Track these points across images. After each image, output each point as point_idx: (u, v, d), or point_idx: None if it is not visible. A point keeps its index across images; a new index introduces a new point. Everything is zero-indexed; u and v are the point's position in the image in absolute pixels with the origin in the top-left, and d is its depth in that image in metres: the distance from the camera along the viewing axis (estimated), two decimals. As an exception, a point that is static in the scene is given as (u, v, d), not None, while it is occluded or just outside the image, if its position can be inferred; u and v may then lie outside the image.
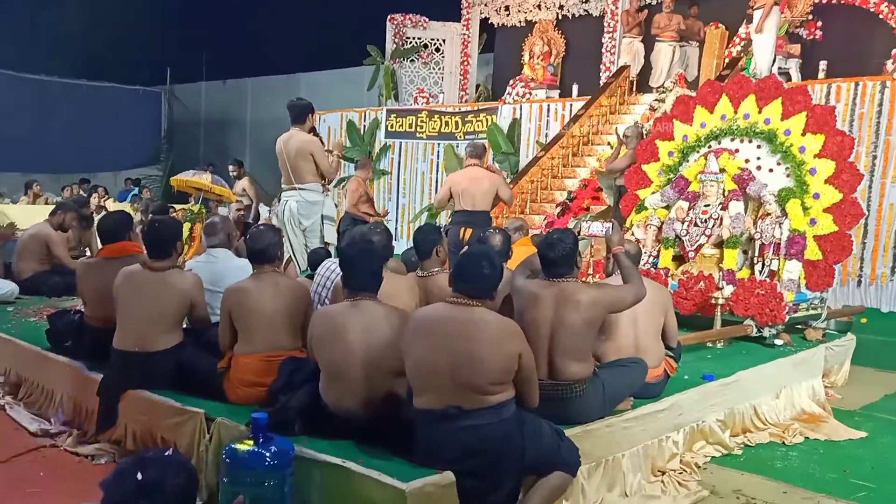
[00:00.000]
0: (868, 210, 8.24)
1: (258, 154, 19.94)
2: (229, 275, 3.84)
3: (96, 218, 6.39)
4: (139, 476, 1.61)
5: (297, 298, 3.47)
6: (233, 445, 2.53)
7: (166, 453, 1.70)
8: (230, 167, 10.24)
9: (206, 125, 20.82)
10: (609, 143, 10.20)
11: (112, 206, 9.96)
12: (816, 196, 5.57)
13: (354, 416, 2.93)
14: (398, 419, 2.90)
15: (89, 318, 4.01)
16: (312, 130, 5.87)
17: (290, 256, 5.09)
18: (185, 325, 3.72)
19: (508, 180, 10.56)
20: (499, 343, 2.74)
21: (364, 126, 13.31)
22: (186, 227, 4.73)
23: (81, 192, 11.19)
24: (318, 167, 5.54)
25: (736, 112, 6.11)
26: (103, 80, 18.65)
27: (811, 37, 10.05)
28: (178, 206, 6.96)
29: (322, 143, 5.89)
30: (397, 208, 12.92)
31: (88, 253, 6.49)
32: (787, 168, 5.77)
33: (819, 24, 9.99)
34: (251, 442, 2.49)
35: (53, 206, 6.70)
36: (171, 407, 3.32)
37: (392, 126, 13.08)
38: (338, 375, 2.96)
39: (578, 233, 4.07)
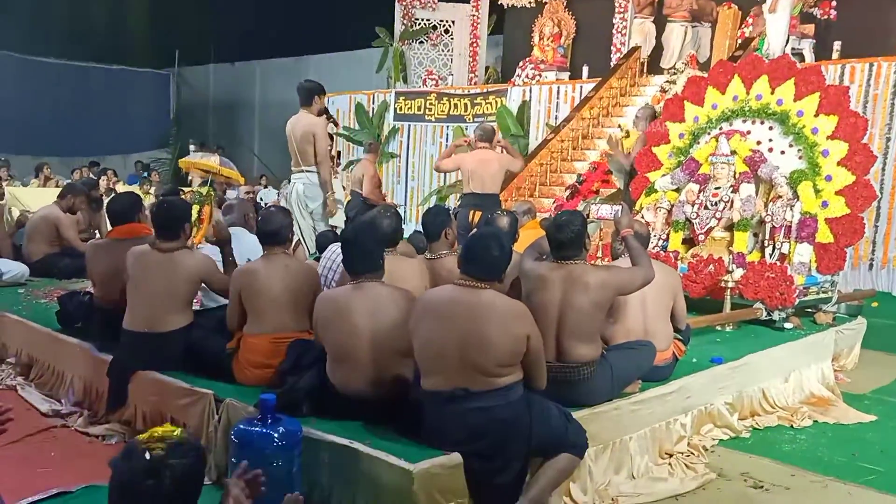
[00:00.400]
0: (881, 193, 8.15)
1: (267, 136, 19.95)
2: (247, 249, 3.84)
3: (105, 200, 6.41)
4: (147, 455, 1.62)
5: (306, 281, 3.48)
6: (241, 426, 2.54)
7: (175, 433, 1.71)
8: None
9: (214, 108, 20.82)
10: (619, 126, 10.12)
11: (122, 188, 10.00)
12: (829, 178, 5.51)
13: (362, 397, 2.94)
14: (405, 400, 2.91)
15: (99, 299, 4.03)
16: (324, 112, 5.84)
17: (299, 239, 5.09)
18: (195, 307, 3.73)
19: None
20: (507, 325, 2.74)
21: (373, 109, 13.26)
22: (195, 209, 4.75)
23: (91, 175, 11.23)
24: (317, 149, 5.52)
25: (748, 93, 6.03)
26: (112, 62, 18.66)
27: (825, 17, 9.91)
28: (187, 189, 6.96)
29: (336, 123, 5.88)
30: (406, 191, 12.90)
31: (98, 235, 6.52)
32: (799, 150, 5.71)
33: (833, 3, 9.84)
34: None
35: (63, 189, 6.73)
36: (180, 388, 3.34)
37: (401, 109, 13.02)
38: (344, 357, 2.97)
39: (587, 216, 4.04)
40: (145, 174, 13.07)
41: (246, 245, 4.12)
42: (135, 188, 9.89)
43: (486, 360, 2.70)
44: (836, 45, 9.25)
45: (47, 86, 16.88)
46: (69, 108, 17.01)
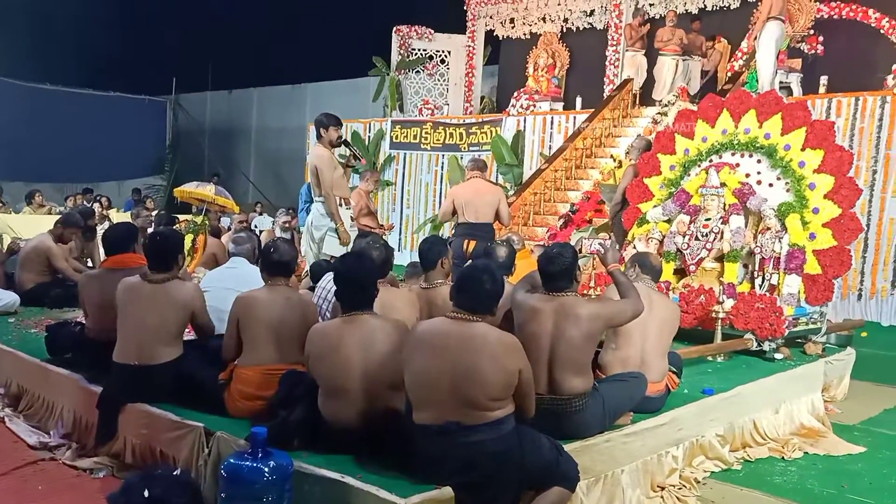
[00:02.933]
0: (868, 224, 8.27)
1: (263, 163, 20.08)
2: (248, 278, 3.87)
3: (99, 228, 6.42)
4: (145, 493, 1.64)
5: (306, 314, 3.47)
6: (231, 460, 2.54)
7: (174, 472, 1.73)
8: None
9: (211, 135, 20.95)
10: (612, 156, 10.24)
11: (116, 216, 10.01)
12: (816, 211, 5.58)
13: (353, 430, 2.94)
14: (397, 433, 2.91)
15: (90, 329, 4.03)
16: (343, 143, 5.92)
17: (307, 271, 5.15)
18: (185, 338, 3.73)
19: (512, 192, 10.61)
20: (499, 358, 2.76)
21: (369, 137, 13.38)
22: (189, 238, 4.76)
23: (85, 203, 11.24)
24: (321, 182, 5.59)
25: (737, 127, 6.13)
26: (108, 89, 18.78)
27: (812, 51, 10.11)
28: (182, 217, 6.99)
29: (357, 157, 6.00)
30: (401, 219, 12.96)
31: (90, 263, 6.51)
32: (786, 183, 5.79)
33: (820, 38, 10.05)
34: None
35: (57, 216, 6.71)
36: (170, 420, 3.33)
37: (397, 137, 13.14)
38: (336, 390, 2.97)
39: (580, 250, 4.09)
40: (136, 200, 13.03)
41: (245, 275, 4.12)
42: (128, 215, 9.90)
43: (478, 394, 2.72)
44: (823, 79, 9.42)
45: (42, 112, 16.92)
46: (64, 134, 17.04)
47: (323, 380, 3.03)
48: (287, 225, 7.36)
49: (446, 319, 2.83)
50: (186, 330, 3.79)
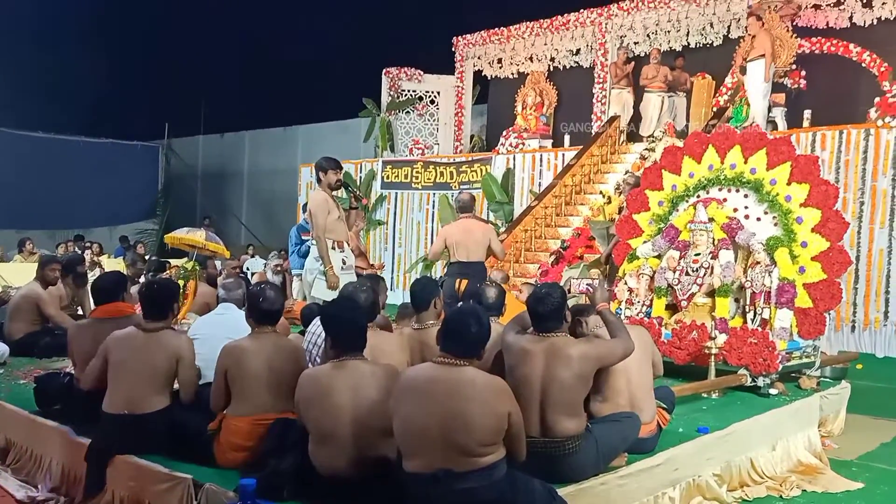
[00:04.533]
0: (858, 256, 8.31)
1: (255, 205, 20.15)
2: (238, 325, 3.85)
3: (90, 275, 6.39)
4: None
5: (294, 361, 3.45)
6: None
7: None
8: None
9: (203, 178, 21.08)
10: (601, 192, 10.32)
11: (107, 262, 9.99)
12: (804, 244, 5.62)
13: (344, 478, 2.91)
14: (389, 481, 2.88)
15: (80, 380, 3.99)
16: (343, 186, 5.99)
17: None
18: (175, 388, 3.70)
19: (503, 229, 10.66)
20: (488, 403, 2.74)
21: (360, 177, 13.47)
22: (179, 283, 4.76)
23: (76, 249, 11.23)
24: (314, 225, 5.65)
25: (723, 162, 6.20)
26: (100, 136, 18.93)
27: (795, 86, 10.27)
28: (173, 262, 6.98)
29: (357, 198, 6.08)
30: (393, 258, 12.98)
31: (81, 311, 6.48)
32: (774, 217, 5.84)
33: (803, 73, 10.21)
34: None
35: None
36: (158, 472, 3.28)
37: (388, 177, 13.24)
38: (326, 438, 2.94)
39: (569, 290, 4.09)
40: (126, 247, 13.02)
41: (235, 321, 4.08)
42: (120, 261, 9.89)
43: (469, 440, 2.69)
44: (807, 113, 9.56)
45: (33, 159, 17.02)
46: (55, 181, 17.12)
47: (313, 426, 3.00)
48: (279, 268, 7.35)
49: (434, 365, 2.83)
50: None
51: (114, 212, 18.35)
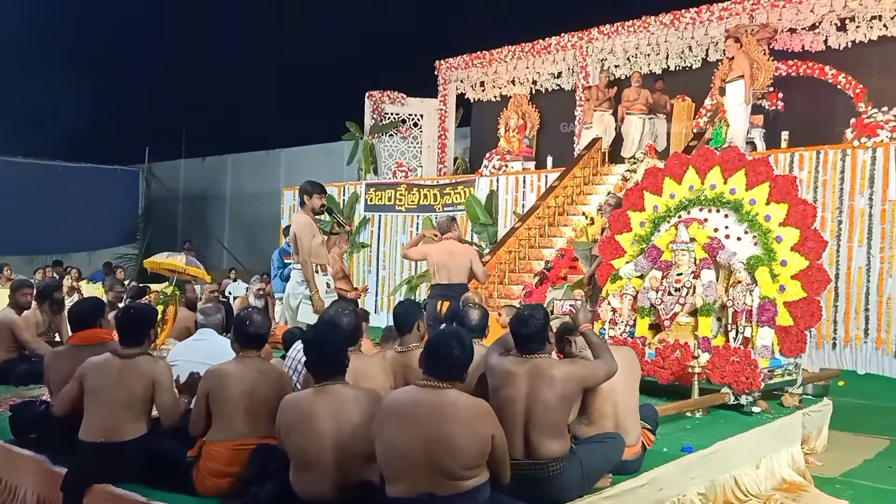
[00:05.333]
0: (837, 274, 8.41)
1: (237, 229, 20.06)
2: (217, 349, 3.81)
3: (68, 301, 6.30)
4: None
5: (279, 387, 3.41)
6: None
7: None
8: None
9: (184, 202, 20.99)
10: (584, 213, 10.39)
11: (86, 287, 9.88)
12: (784, 263, 5.67)
13: (326, 505, 2.87)
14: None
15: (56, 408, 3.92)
16: (326, 211, 6.01)
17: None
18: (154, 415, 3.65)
19: (487, 251, 10.68)
20: (471, 425, 2.73)
21: (343, 200, 13.47)
22: (159, 309, 4.72)
23: (55, 275, 11.09)
24: (299, 249, 5.62)
25: (703, 183, 6.27)
26: (80, 160, 18.81)
27: (773, 107, 10.44)
28: (154, 287, 6.92)
29: (341, 224, 6.08)
30: (377, 281, 12.95)
31: (59, 338, 6.38)
32: (754, 236, 5.90)
33: (780, 95, 10.39)
34: None
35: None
36: (136, 502, 3.22)
37: (371, 199, 13.25)
38: (308, 464, 2.91)
39: (551, 311, 4.09)
40: (107, 273, 12.87)
41: (214, 347, 4.06)
42: (98, 286, 9.77)
43: (453, 463, 2.67)
44: (785, 134, 9.71)
45: (12, 184, 16.86)
46: (34, 206, 16.95)
47: (294, 453, 2.96)
48: (261, 292, 7.31)
49: (416, 388, 2.81)
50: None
51: (93, 237, 18.18)
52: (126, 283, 10.08)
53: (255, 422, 3.31)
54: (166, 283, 5.99)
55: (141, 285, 7.09)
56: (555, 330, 3.85)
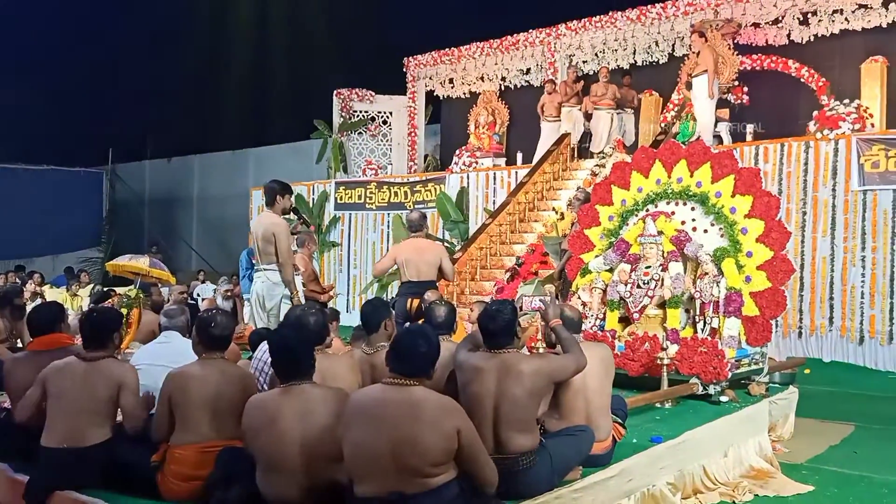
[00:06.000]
0: (802, 264, 8.55)
1: (205, 231, 19.82)
2: (183, 353, 3.74)
3: (30, 306, 6.15)
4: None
5: (242, 388, 3.36)
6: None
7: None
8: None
9: (150, 204, 20.68)
10: (554, 208, 10.43)
11: (49, 292, 9.68)
12: (749, 254, 5.75)
13: (294, 507, 2.83)
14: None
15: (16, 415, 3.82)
16: (293, 211, 5.93)
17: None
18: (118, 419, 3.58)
19: (458, 248, 10.68)
20: (438, 421, 2.71)
21: (313, 199, 13.37)
22: (123, 312, 4.62)
23: (17, 280, 10.85)
24: (278, 250, 5.53)
25: (670, 176, 6.33)
26: (42, 163, 18.43)
27: (739, 101, 10.57)
28: (119, 290, 6.79)
29: (307, 224, 5.98)
30: (348, 280, 12.89)
31: (21, 344, 6.24)
32: (720, 228, 5.97)
33: (745, 89, 10.52)
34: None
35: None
36: (100, 508, 3.16)
37: (341, 198, 13.17)
38: (274, 466, 2.87)
39: (520, 307, 4.09)
40: (70, 278, 12.62)
41: (178, 350, 3.98)
42: (62, 291, 9.58)
43: (420, 461, 2.66)
44: (750, 127, 9.84)
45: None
46: (-6, 210, 16.59)
47: (261, 455, 2.92)
48: (229, 293, 7.22)
49: (383, 386, 2.79)
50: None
51: (57, 240, 17.81)
52: (91, 287, 9.89)
53: (220, 424, 3.26)
54: (130, 286, 5.89)
55: (105, 289, 6.94)
56: (522, 325, 3.87)
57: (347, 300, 12.65)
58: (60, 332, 3.98)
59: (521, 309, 4.10)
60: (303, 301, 5.54)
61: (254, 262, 5.89)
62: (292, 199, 5.84)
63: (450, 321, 4.10)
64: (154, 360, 3.81)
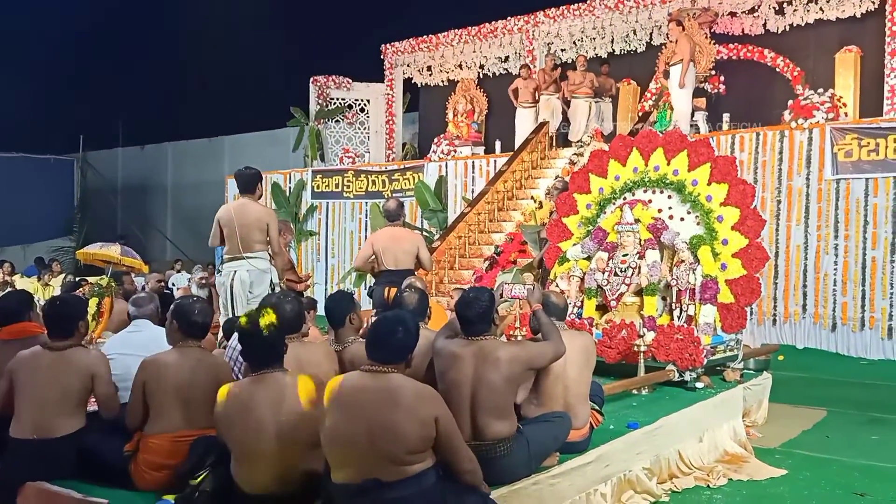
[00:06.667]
0: (777, 252, 8.65)
1: (180, 219, 19.58)
2: (156, 341, 3.68)
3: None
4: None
5: (217, 377, 3.30)
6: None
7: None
8: None
9: (123, 192, 20.37)
10: (532, 197, 10.44)
11: (19, 281, 9.50)
12: (725, 242, 5.80)
13: (269, 496, 2.80)
14: (317, 496, 2.79)
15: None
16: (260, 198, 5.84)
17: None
18: (88, 409, 3.52)
19: (437, 236, 10.64)
20: (415, 409, 2.69)
21: (290, 188, 13.24)
22: (94, 302, 4.53)
23: (-15, 270, 10.62)
24: (271, 239, 5.45)
25: (647, 165, 6.36)
26: (10, 150, 18.05)
27: (715, 90, 10.64)
28: (91, 279, 6.69)
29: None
30: (326, 269, 12.81)
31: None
32: (696, 216, 6.01)
33: (721, 78, 10.59)
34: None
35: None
36: (72, 499, 3.08)
37: (318, 187, 13.06)
38: (248, 455, 2.83)
39: (501, 295, 4.08)
40: (41, 268, 12.40)
41: (150, 338, 3.92)
42: (33, 280, 9.40)
43: (397, 448, 2.64)
44: (726, 116, 9.91)
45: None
46: (-38, 200, 16.24)
47: (234, 444, 2.88)
48: (204, 281, 7.12)
49: (361, 373, 2.77)
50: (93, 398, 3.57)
51: (27, 230, 17.49)
52: (61, 276, 9.71)
53: (194, 413, 3.22)
54: (102, 276, 5.78)
55: (75, 281, 6.81)
56: (501, 314, 3.85)
57: (325, 289, 12.57)
58: (30, 320, 3.90)
59: (501, 296, 4.08)
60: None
61: (224, 253, 5.71)
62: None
63: (421, 308, 4.04)
64: (125, 350, 3.74)
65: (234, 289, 5.51)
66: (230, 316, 5.48)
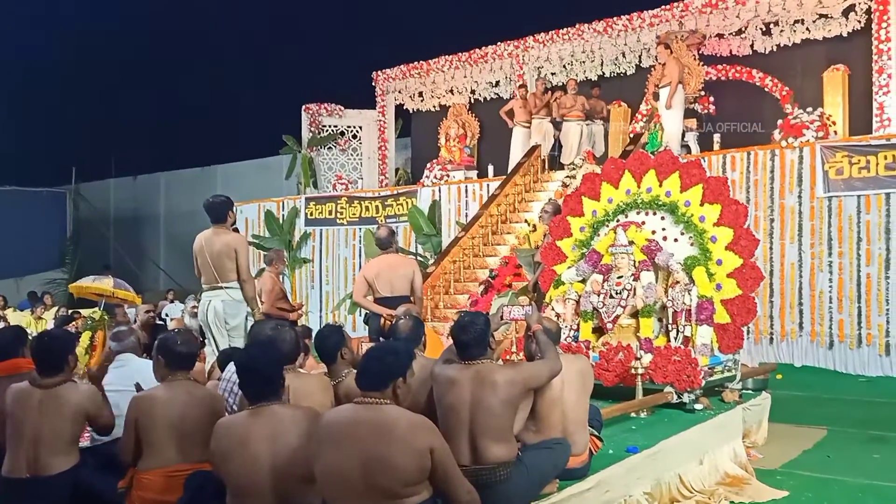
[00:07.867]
0: (772, 270, 8.65)
1: (173, 249, 19.52)
2: (142, 374, 3.64)
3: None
4: None
5: (210, 409, 3.28)
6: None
7: None
8: None
9: (116, 223, 20.33)
10: (526, 220, 10.45)
11: (12, 315, 9.42)
12: (719, 262, 5.80)
13: (266, 532, 2.75)
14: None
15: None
16: (233, 225, 5.79)
17: (214, 363, 4.84)
18: (83, 444, 3.47)
19: (431, 261, 10.63)
20: (410, 440, 2.65)
21: (283, 216, 13.23)
22: (87, 335, 4.49)
23: (-21, 304, 10.57)
24: (239, 266, 5.40)
25: (639, 186, 6.38)
26: (2, 183, 18.04)
27: (705, 111, 10.72)
28: (84, 312, 6.63)
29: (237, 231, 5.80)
30: (321, 296, 12.75)
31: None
32: (690, 237, 6.02)
33: (711, 98, 10.68)
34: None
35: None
36: (64, 538, 3.05)
37: (312, 213, 13.06)
38: (244, 490, 2.79)
39: (501, 317, 4.08)
40: (34, 302, 12.31)
41: (136, 372, 3.86)
42: (26, 314, 9.33)
43: (392, 482, 2.60)
44: (717, 136, 9.98)
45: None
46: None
47: (230, 479, 2.84)
48: (196, 311, 7.07)
49: (354, 406, 2.74)
50: (86, 434, 3.53)
51: (20, 262, 17.40)
52: (54, 309, 9.63)
53: (188, 448, 3.18)
54: (95, 308, 5.73)
55: (66, 315, 6.75)
56: (497, 338, 3.84)
57: (320, 317, 12.51)
58: (23, 356, 3.86)
59: (501, 318, 4.09)
60: (264, 318, 5.38)
61: (203, 283, 5.64)
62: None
63: (415, 335, 4.00)
64: (110, 387, 3.69)
65: (208, 318, 5.45)
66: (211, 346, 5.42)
